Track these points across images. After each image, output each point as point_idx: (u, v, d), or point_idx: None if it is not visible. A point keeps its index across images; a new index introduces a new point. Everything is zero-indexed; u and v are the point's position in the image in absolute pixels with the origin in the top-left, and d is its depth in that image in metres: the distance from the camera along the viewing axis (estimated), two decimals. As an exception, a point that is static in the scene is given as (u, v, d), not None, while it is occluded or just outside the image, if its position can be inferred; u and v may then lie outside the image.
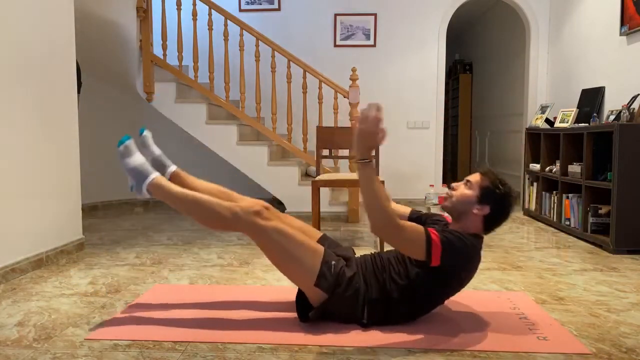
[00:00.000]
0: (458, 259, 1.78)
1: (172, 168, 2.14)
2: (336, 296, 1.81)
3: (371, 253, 2.04)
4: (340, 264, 1.86)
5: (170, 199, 1.93)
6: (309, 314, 1.83)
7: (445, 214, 2.01)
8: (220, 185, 2.14)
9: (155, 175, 1.96)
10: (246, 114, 4.49)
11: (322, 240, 2.06)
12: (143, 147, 2.13)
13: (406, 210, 2.18)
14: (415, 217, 2.12)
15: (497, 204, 1.85)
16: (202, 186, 2.09)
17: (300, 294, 1.91)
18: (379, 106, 1.62)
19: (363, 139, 1.62)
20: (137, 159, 1.97)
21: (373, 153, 1.73)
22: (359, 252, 3.09)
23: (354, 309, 1.84)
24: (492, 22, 7.14)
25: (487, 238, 3.57)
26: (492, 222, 1.88)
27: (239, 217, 1.82)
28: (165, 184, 1.95)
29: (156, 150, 2.14)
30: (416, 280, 1.81)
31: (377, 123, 1.60)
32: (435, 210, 3.86)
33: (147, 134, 2.14)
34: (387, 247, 3.26)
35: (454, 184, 1.95)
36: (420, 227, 1.74)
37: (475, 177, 1.90)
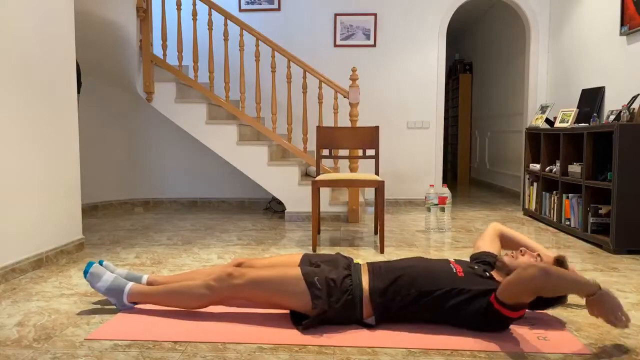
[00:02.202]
0: (511, 321, 1.80)
1: (145, 277, 2.20)
2: (331, 308, 1.81)
3: (383, 261, 2.03)
4: (324, 273, 1.86)
5: (152, 299, 2.02)
6: (302, 322, 1.82)
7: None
8: (194, 270, 2.20)
9: (128, 285, 2.03)
10: (246, 114, 4.49)
11: (304, 259, 2.07)
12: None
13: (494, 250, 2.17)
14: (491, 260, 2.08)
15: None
16: (178, 279, 2.14)
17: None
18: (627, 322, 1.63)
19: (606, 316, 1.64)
20: (107, 278, 2.04)
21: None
22: (358, 252, 3.09)
23: (353, 313, 1.84)
24: (492, 22, 7.14)
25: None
26: (535, 302, 1.83)
27: (215, 287, 1.89)
28: (141, 288, 2.03)
29: (122, 272, 2.20)
30: (442, 296, 1.80)
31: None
32: (434, 209, 3.86)
33: (106, 263, 2.19)
34: (388, 248, 3.25)
35: (523, 249, 1.96)
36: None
37: (548, 258, 1.92)
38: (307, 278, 1.84)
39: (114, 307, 2.08)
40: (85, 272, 2.05)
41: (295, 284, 1.83)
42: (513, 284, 1.67)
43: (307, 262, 2.04)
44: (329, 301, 1.81)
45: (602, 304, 1.62)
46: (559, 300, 1.88)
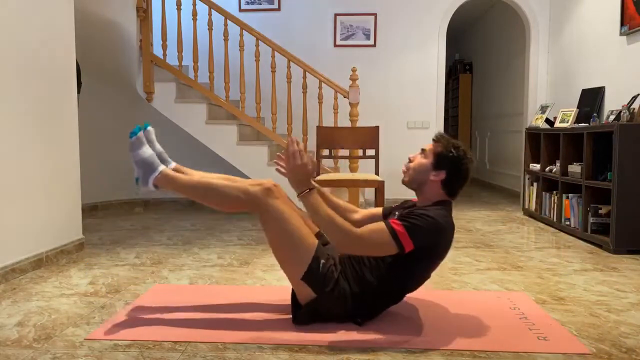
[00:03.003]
0: (429, 237, 1.77)
1: (173, 164, 2.14)
2: (324, 296, 1.81)
3: None
4: (330, 263, 1.86)
5: (181, 188, 1.97)
6: (297, 313, 1.84)
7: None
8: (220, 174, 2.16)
9: (162, 167, 1.99)
10: (246, 114, 4.49)
11: (318, 235, 2.06)
12: (147, 142, 2.10)
13: (378, 210, 2.18)
14: (387, 212, 2.12)
15: (453, 168, 1.87)
16: (204, 176, 2.09)
17: (294, 296, 1.91)
18: (297, 140, 1.75)
19: (295, 175, 1.74)
20: (147, 151, 1.99)
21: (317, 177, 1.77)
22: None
23: (345, 309, 1.84)
24: (492, 22, 7.14)
25: (487, 238, 3.57)
26: (452, 185, 1.89)
27: (252, 195, 1.86)
28: (173, 174, 1.98)
29: (158, 147, 2.14)
30: (393, 264, 1.81)
31: (301, 156, 1.72)
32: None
33: (150, 129, 2.13)
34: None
35: (410, 156, 1.98)
36: (380, 225, 1.75)
37: (429, 145, 1.93)
38: (317, 253, 1.83)
39: (114, 307, 2.08)
40: (133, 133, 1.98)
41: (305, 249, 1.82)
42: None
43: (321, 239, 2.00)
44: (324, 290, 1.80)
45: (296, 179, 1.74)
46: None
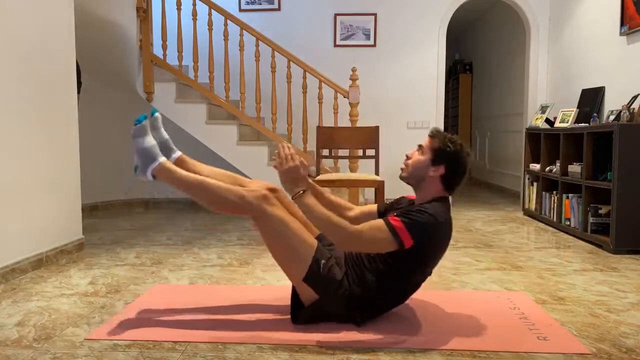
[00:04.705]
0: (428, 232, 1.78)
1: (177, 154, 2.13)
2: (327, 297, 1.81)
3: None
4: (331, 263, 1.86)
5: (177, 182, 1.93)
6: (297, 313, 1.84)
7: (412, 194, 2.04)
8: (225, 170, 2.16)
9: (162, 159, 1.95)
10: (246, 114, 4.49)
11: (319, 237, 2.05)
12: (153, 129, 2.09)
13: (373, 207, 2.18)
14: (383, 210, 2.12)
15: (451, 162, 1.88)
16: (207, 171, 2.09)
17: (295, 295, 1.90)
18: (287, 145, 1.82)
19: (288, 178, 1.80)
20: (149, 140, 1.96)
21: (309, 179, 1.85)
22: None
23: (348, 309, 1.84)
24: (492, 22, 7.14)
25: (487, 238, 3.57)
26: (450, 180, 1.91)
27: (247, 201, 1.83)
28: (172, 168, 1.95)
29: (164, 135, 2.12)
30: (393, 262, 1.81)
31: (293, 159, 1.78)
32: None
33: (158, 115, 2.11)
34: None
35: (408, 153, 1.99)
36: (379, 222, 1.76)
37: (425, 142, 1.93)
38: (317, 254, 1.82)
39: (114, 307, 2.08)
40: (138, 121, 1.95)
41: (305, 250, 1.82)
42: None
43: (323, 241, 1.98)
44: (327, 291, 1.81)
45: (288, 182, 1.80)
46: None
